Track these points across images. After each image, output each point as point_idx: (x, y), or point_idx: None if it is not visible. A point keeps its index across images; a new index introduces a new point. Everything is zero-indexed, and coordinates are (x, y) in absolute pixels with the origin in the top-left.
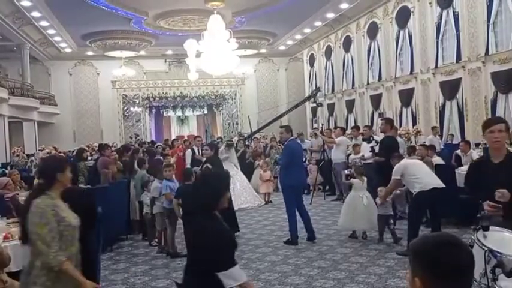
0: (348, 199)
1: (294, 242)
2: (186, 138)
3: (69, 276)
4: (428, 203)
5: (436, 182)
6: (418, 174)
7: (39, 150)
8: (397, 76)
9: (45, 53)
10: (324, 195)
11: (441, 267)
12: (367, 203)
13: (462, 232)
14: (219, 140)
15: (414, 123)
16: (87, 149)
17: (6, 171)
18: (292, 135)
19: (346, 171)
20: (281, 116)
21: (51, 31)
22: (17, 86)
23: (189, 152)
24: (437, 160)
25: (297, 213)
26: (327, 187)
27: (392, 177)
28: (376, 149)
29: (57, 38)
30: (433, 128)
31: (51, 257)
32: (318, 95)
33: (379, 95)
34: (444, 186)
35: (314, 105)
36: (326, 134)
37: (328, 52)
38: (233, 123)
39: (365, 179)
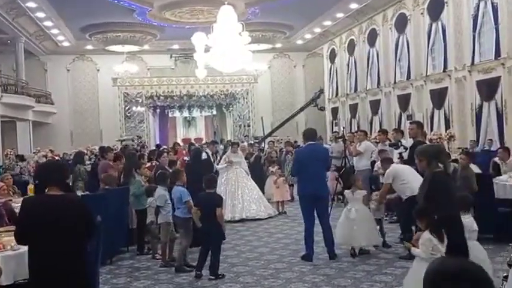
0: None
1: (306, 258)
2: (192, 141)
3: None
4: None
5: None
6: (407, 179)
7: (33, 153)
8: (428, 74)
9: (41, 46)
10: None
11: None
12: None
13: (498, 249)
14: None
15: (447, 126)
16: (86, 152)
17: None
18: (309, 141)
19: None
20: (286, 121)
21: (48, 23)
22: (10, 82)
23: None
24: (474, 168)
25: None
26: None
27: (384, 181)
28: (405, 155)
29: (55, 31)
30: None
31: None
32: (320, 97)
33: (408, 95)
34: None
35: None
36: (348, 139)
37: (351, 47)
38: (244, 125)
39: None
